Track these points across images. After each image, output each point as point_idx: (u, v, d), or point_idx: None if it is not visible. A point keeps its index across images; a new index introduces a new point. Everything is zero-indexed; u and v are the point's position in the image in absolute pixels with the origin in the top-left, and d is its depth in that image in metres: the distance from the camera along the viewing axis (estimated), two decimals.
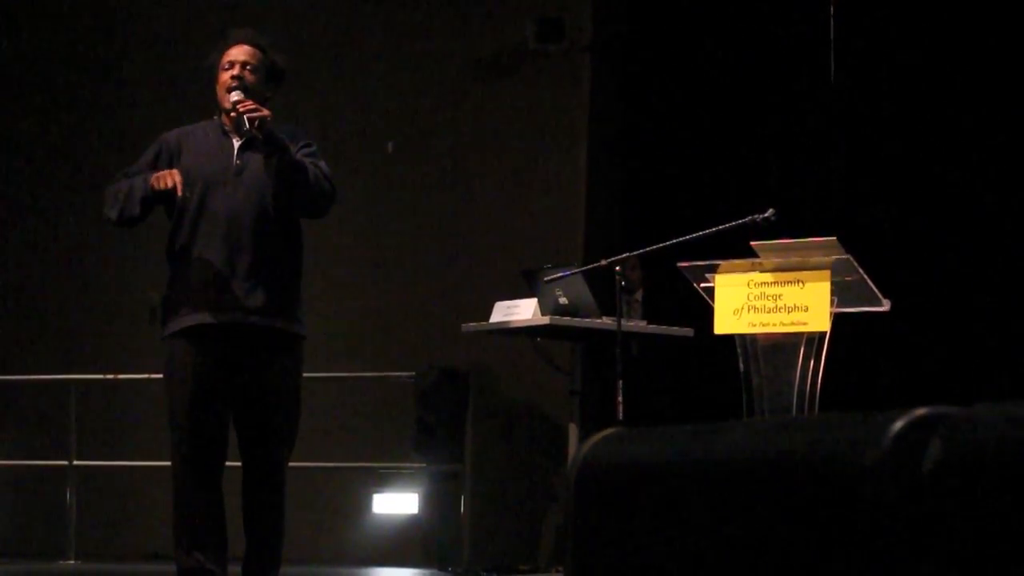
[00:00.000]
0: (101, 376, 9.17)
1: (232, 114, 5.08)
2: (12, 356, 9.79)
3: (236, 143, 5.14)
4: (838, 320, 5.40)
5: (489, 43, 9.24)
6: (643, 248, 6.18)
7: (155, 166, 5.14)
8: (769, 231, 5.54)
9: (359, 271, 9.34)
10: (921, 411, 1.52)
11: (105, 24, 10.10)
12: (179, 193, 4.97)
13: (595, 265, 6.17)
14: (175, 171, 4.99)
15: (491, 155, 9.21)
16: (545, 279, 6.48)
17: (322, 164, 5.15)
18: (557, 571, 7.97)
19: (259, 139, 5.04)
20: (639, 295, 8.23)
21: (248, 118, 4.99)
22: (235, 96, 5.06)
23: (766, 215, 5.55)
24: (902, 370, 7.92)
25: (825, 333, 5.36)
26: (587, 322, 6.61)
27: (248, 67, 5.16)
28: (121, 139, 9.80)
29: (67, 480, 9.09)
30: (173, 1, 10.01)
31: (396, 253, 9.33)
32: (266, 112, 5.03)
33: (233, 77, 5.13)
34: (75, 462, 9.05)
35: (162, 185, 4.96)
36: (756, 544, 1.64)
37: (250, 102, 5.03)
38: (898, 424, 1.52)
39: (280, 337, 5.09)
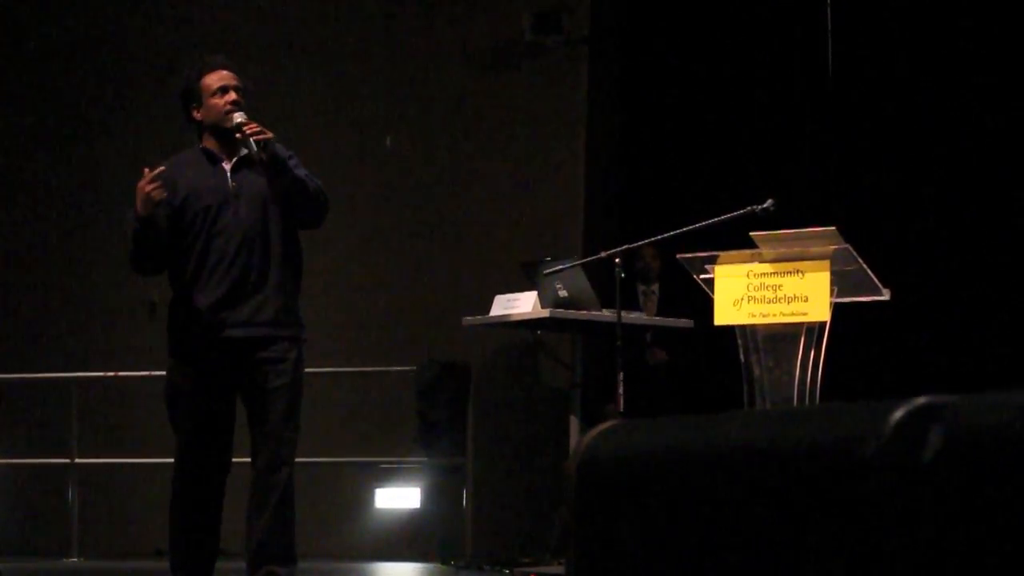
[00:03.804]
0: (102, 374, 9.17)
1: (237, 135, 5.12)
2: (14, 355, 9.78)
3: (227, 166, 5.19)
4: (838, 310, 5.40)
5: (486, 36, 9.23)
6: (642, 240, 6.18)
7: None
8: (768, 221, 5.54)
9: (359, 266, 9.34)
10: (921, 400, 1.52)
11: (110, 25, 10.08)
12: (161, 195, 4.99)
13: (595, 257, 6.17)
14: (141, 184, 4.97)
15: (489, 148, 9.20)
16: (545, 272, 6.48)
17: (312, 176, 5.24)
18: (560, 564, 7.96)
19: (263, 160, 5.08)
20: (655, 287, 8.18)
21: (255, 140, 5.05)
22: (239, 117, 5.12)
23: (765, 206, 5.55)
24: (903, 359, 7.92)
25: (825, 323, 5.36)
26: (587, 315, 6.60)
27: (241, 91, 5.24)
28: (123, 139, 9.79)
29: (69, 478, 9.09)
30: (178, 2, 10.00)
31: (395, 247, 9.32)
32: (270, 134, 5.11)
33: (233, 102, 5.18)
34: (77, 460, 9.05)
35: (146, 209, 4.97)
36: (757, 535, 1.64)
37: (254, 124, 5.10)
38: (898, 413, 1.51)
39: (285, 341, 5.21)
